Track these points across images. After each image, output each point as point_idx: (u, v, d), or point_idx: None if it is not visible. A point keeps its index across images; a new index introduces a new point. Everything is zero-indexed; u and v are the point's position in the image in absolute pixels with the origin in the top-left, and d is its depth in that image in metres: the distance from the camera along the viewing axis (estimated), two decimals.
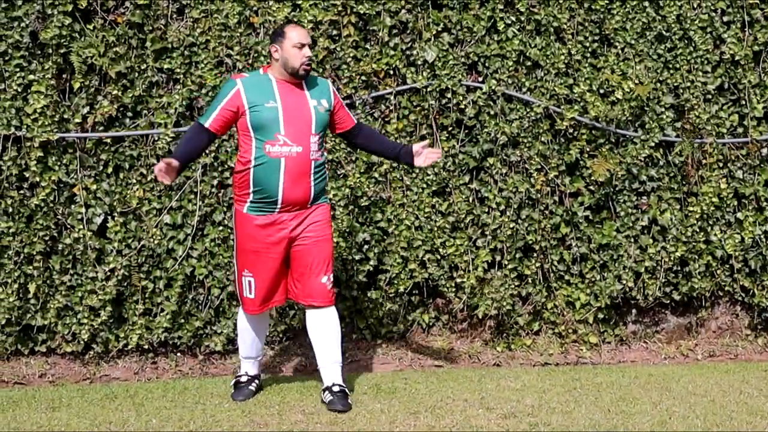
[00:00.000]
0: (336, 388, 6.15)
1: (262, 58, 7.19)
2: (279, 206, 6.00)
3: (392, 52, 7.46)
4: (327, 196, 6.25)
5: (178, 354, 7.28)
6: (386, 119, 7.48)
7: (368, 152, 6.76)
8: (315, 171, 6.04)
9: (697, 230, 7.77)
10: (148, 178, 7.16)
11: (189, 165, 6.44)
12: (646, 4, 7.68)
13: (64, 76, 7.08)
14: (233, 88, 6.01)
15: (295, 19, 7.22)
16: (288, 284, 6.20)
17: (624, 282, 7.65)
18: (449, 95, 7.49)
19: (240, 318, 6.33)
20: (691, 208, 7.76)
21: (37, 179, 6.99)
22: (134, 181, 7.14)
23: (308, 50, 6.06)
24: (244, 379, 6.42)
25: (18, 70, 6.95)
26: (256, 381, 6.45)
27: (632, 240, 7.69)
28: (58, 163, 7.05)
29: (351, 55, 7.38)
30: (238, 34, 7.20)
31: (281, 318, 7.38)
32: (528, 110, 7.55)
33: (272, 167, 5.94)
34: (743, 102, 7.84)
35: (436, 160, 6.38)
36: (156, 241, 7.13)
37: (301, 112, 6.03)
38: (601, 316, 7.71)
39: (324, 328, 6.18)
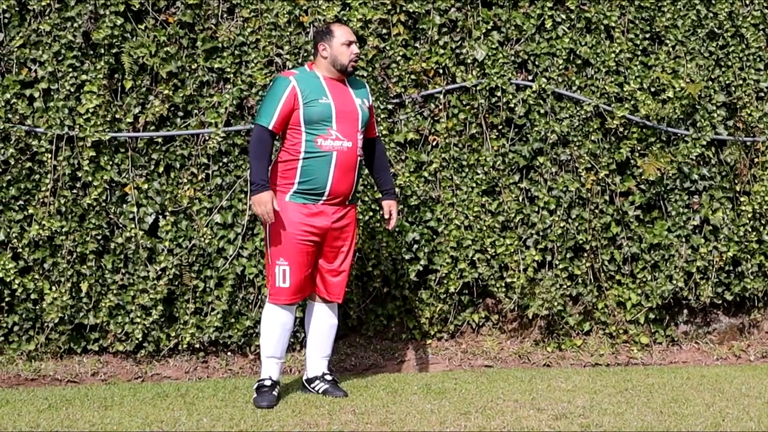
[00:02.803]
0: (329, 377, 6.43)
1: (311, 57, 7.19)
2: (324, 198, 6.15)
3: (442, 51, 7.44)
4: (358, 195, 6.45)
5: (229, 353, 7.31)
6: (436, 118, 7.47)
7: (366, 165, 6.61)
8: (359, 167, 6.26)
9: (750, 230, 7.70)
10: (199, 177, 7.19)
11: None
12: (697, 1, 7.62)
13: (116, 76, 7.12)
14: (288, 85, 6.13)
15: (344, 18, 7.24)
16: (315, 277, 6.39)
17: (675, 282, 7.59)
18: (499, 94, 7.47)
19: (267, 314, 6.29)
20: (743, 208, 7.70)
21: (90, 179, 7.04)
22: (185, 180, 7.18)
23: (356, 47, 6.26)
24: (267, 383, 6.26)
25: (71, 70, 6.99)
26: (278, 387, 6.31)
27: (684, 240, 7.63)
28: (110, 163, 7.09)
29: (400, 53, 7.38)
30: (288, 33, 7.21)
31: None
32: (578, 109, 7.52)
33: (324, 160, 6.11)
34: None
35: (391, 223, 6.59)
36: (207, 241, 7.16)
37: (350, 109, 6.21)
38: (652, 316, 7.67)
39: (330, 321, 6.46)
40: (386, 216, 6.56)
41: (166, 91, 7.11)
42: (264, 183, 6.06)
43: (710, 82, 7.67)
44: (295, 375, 7.09)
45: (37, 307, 7.06)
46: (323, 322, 6.43)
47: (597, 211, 7.58)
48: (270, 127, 6.09)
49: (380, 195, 6.61)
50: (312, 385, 6.42)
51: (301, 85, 6.13)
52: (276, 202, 6.10)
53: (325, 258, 6.31)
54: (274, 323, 6.27)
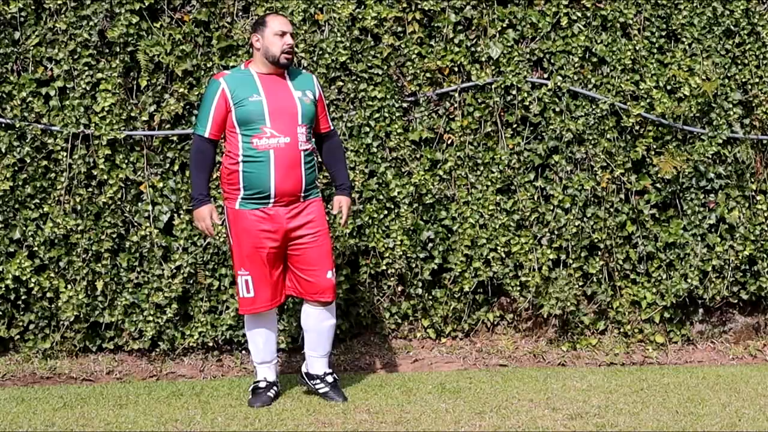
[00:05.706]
0: (330, 378, 6.31)
1: (326, 55, 7.19)
2: (272, 200, 6.04)
3: (457, 49, 7.43)
4: (318, 189, 6.29)
5: (243, 352, 7.30)
6: (451, 116, 7.46)
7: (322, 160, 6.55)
8: (305, 161, 6.08)
9: (766, 228, 7.67)
10: (214, 176, 7.19)
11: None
12: None
13: (132, 74, 7.14)
14: (218, 88, 6.06)
15: (359, 16, 7.24)
16: (290, 281, 6.24)
17: (690, 281, 7.56)
18: (514, 92, 7.45)
19: (246, 322, 6.30)
20: (759, 206, 7.66)
21: (105, 177, 7.06)
22: None
23: (290, 38, 6.08)
24: (262, 385, 6.28)
25: (86, 68, 7.01)
26: (275, 387, 6.32)
27: (699, 238, 7.60)
28: (126, 161, 7.11)
29: (415, 51, 7.37)
30: (303, 32, 7.21)
31: (345, 316, 7.39)
32: (594, 107, 7.50)
33: (262, 161, 5.99)
34: None
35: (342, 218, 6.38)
36: (221, 239, 7.17)
37: (286, 103, 6.06)
38: (667, 315, 7.64)
39: (325, 323, 6.28)
40: (335, 212, 6.37)
41: (181, 90, 7.12)
42: (203, 197, 6.08)
43: (726, 80, 7.63)
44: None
45: (53, 306, 7.09)
46: (315, 324, 6.27)
47: (612, 209, 7.56)
48: (206, 135, 6.05)
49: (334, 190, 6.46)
50: (313, 383, 6.32)
51: (231, 86, 6.03)
52: (215, 215, 6.11)
53: (292, 259, 6.17)
54: (255, 331, 6.25)
